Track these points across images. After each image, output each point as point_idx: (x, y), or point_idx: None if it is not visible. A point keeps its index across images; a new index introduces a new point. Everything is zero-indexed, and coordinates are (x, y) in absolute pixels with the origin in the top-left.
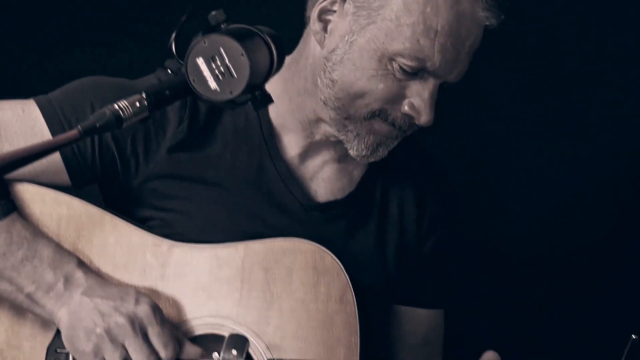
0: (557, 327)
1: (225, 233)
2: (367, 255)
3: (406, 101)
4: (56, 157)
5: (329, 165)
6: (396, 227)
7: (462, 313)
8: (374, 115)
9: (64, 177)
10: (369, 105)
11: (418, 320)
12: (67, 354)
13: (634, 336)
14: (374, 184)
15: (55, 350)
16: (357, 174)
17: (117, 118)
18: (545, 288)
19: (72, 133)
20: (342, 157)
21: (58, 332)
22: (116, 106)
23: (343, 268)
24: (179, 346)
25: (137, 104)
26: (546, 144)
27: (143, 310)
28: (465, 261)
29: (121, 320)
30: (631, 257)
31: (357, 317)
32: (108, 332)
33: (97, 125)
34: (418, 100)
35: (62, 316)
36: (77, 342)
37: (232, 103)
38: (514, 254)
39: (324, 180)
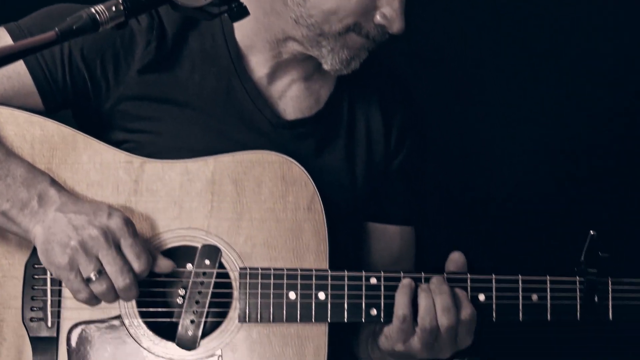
0: (524, 236)
1: (195, 153)
2: (335, 172)
3: (378, 12)
4: (27, 80)
5: (296, 84)
6: (364, 145)
7: (432, 230)
8: (348, 29)
9: (37, 100)
10: (343, 21)
11: (390, 237)
12: (45, 269)
13: (592, 232)
14: (341, 102)
15: (33, 266)
16: (325, 92)
17: (93, 21)
18: (513, 201)
19: (50, 34)
20: (309, 76)
21: (35, 249)
22: (93, 9)
23: (310, 178)
24: (152, 259)
25: (114, 8)
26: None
27: (115, 223)
28: (434, 178)
29: (94, 232)
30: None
31: (326, 225)
32: (82, 244)
33: (74, 27)
34: (389, 9)
35: (37, 233)
36: (53, 256)
37: (208, 14)
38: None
39: (292, 99)
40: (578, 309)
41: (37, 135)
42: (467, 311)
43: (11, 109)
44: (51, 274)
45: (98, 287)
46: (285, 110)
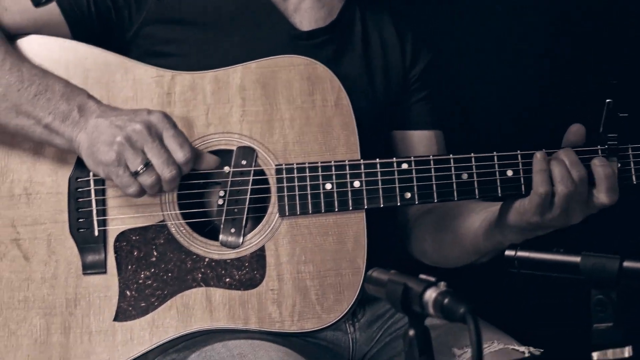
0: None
1: (220, 65)
2: (355, 80)
3: None
4: (55, 10)
5: None
6: (380, 55)
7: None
8: None
9: (66, 31)
10: None
11: (416, 143)
12: (88, 181)
13: (608, 100)
14: (353, 14)
15: (76, 180)
16: (337, 4)
17: None
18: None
19: None
20: None
21: (77, 163)
22: None
23: (334, 75)
24: (197, 155)
25: None
26: None
27: (156, 117)
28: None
29: (138, 126)
30: None
31: (354, 117)
32: (127, 139)
33: None
34: None
35: (81, 139)
36: (100, 155)
37: None
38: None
39: (306, 10)
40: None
41: (71, 58)
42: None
43: (42, 37)
44: (96, 183)
45: (147, 179)
46: (302, 22)
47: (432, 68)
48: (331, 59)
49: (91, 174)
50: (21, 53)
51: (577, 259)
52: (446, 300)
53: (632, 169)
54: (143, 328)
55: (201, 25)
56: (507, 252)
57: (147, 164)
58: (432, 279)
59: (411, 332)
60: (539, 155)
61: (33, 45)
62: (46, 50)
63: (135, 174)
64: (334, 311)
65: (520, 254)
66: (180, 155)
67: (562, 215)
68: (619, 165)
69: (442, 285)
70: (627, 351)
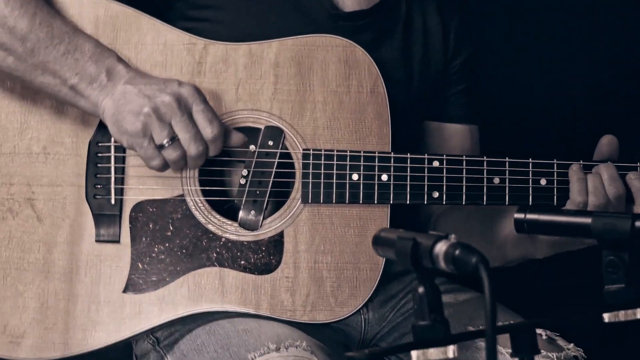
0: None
1: (254, 39)
2: (391, 67)
3: None
4: None
5: None
6: (420, 43)
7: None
8: None
9: None
10: None
11: (449, 136)
12: (109, 147)
13: None
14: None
15: (97, 144)
16: None
17: None
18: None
19: None
20: None
21: (99, 127)
22: None
23: (373, 61)
24: (224, 131)
25: None
26: None
27: (187, 90)
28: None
29: (167, 99)
30: None
31: (388, 108)
32: (155, 110)
33: None
34: None
35: (107, 105)
36: (125, 124)
37: None
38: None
39: None
40: None
41: (101, 15)
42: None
43: None
44: (117, 150)
45: (172, 154)
46: (344, 2)
47: (473, 61)
48: (369, 43)
49: (112, 140)
50: (53, 8)
51: (588, 219)
52: (457, 252)
53: None
54: (152, 303)
55: None
56: (517, 215)
57: (174, 138)
58: (442, 234)
59: (420, 290)
60: (575, 166)
61: (63, 2)
62: (76, 5)
63: (161, 147)
64: (347, 305)
65: (529, 216)
66: (208, 131)
67: None
68: None
69: (453, 237)
70: (639, 312)
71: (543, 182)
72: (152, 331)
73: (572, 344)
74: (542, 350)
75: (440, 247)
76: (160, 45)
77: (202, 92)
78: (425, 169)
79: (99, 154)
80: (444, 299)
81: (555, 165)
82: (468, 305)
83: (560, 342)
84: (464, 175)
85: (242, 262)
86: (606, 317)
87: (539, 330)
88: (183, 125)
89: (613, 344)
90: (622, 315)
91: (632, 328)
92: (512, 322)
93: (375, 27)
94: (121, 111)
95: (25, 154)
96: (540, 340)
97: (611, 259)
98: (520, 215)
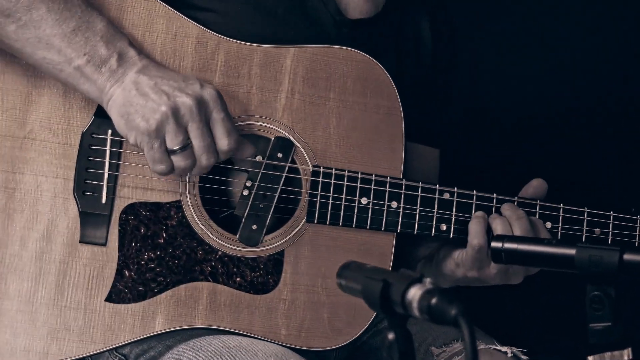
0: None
1: (259, 37)
2: None
3: None
4: None
5: None
6: (413, 57)
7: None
8: None
9: None
10: None
11: (416, 156)
12: (105, 140)
13: None
14: (395, 8)
15: (92, 135)
16: None
17: None
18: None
19: None
20: None
21: (96, 116)
22: None
23: (392, 82)
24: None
25: None
26: None
27: (209, 94)
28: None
29: (188, 101)
30: None
31: (404, 132)
32: (174, 111)
33: None
34: None
35: (115, 93)
36: (136, 120)
37: None
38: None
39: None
40: None
41: None
42: (545, 235)
43: None
44: (113, 144)
45: (181, 161)
46: (346, 9)
47: (449, 78)
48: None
49: (109, 132)
50: None
51: (572, 251)
52: (434, 300)
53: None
54: (135, 315)
55: None
56: (494, 244)
57: (187, 145)
58: (416, 274)
59: (391, 336)
60: (478, 212)
61: None
62: None
63: (171, 152)
64: (343, 334)
65: (507, 245)
66: (224, 142)
67: (499, 274)
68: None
69: (428, 282)
70: (626, 354)
71: (548, 225)
72: (122, 347)
73: None
74: None
75: (414, 293)
76: (171, 35)
77: (223, 98)
78: (436, 200)
79: (93, 147)
80: None
81: (561, 209)
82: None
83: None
84: (474, 210)
85: (238, 279)
86: (591, 359)
87: (504, 348)
88: (199, 133)
89: None
90: (608, 357)
91: None
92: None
93: (373, 38)
94: (132, 103)
95: (8, 137)
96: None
97: (596, 294)
98: (498, 244)
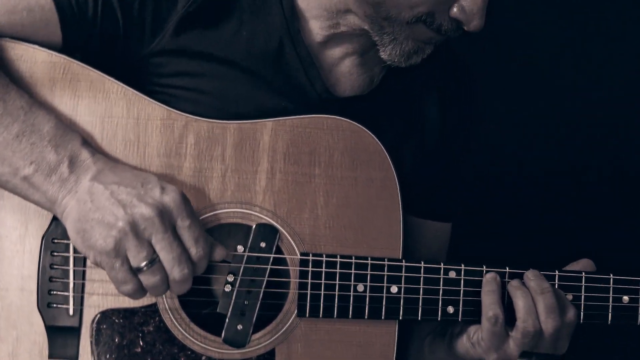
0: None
1: (240, 116)
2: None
3: (456, 4)
4: (52, 15)
5: (350, 58)
6: (418, 132)
7: (469, 228)
8: (418, 19)
9: (55, 33)
10: (415, 8)
11: (426, 232)
12: (67, 245)
13: None
14: (395, 83)
15: (52, 240)
16: (379, 69)
17: None
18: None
19: None
20: (365, 51)
21: (55, 219)
22: None
23: (385, 150)
24: (210, 244)
25: None
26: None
27: (172, 200)
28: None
29: (147, 212)
30: None
31: (401, 205)
32: (133, 226)
33: None
34: (470, 3)
35: (68, 205)
36: (93, 238)
37: None
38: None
39: (343, 74)
40: None
41: (59, 78)
42: (572, 312)
43: (28, 45)
44: (76, 250)
45: (150, 279)
46: (336, 86)
47: (464, 155)
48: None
49: None
50: (6, 78)
51: None
52: None
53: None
54: None
55: (225, 62)
56: None
57: (154, 260)
58: None
59: None
60: (489, 276)
61: (15, 52)
62: (30, 62)
63: (137, 270)
64: None
65: None
66: (193, 251)
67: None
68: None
69: None
70: None
71: (569, 297)
72: None
73: None
74: None
75: None
76: (133, 119)
77: (188, 200)
78: (441, 280)
79: (55, 253)
80: None
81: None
82: None
83: None
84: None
85: None
86: None
87: None
88: (166, 244)
89: None
90: None
91: None
92: None
93: (367, 114)
94: (87, 218)
95: None
96: None
97: None
98: None
